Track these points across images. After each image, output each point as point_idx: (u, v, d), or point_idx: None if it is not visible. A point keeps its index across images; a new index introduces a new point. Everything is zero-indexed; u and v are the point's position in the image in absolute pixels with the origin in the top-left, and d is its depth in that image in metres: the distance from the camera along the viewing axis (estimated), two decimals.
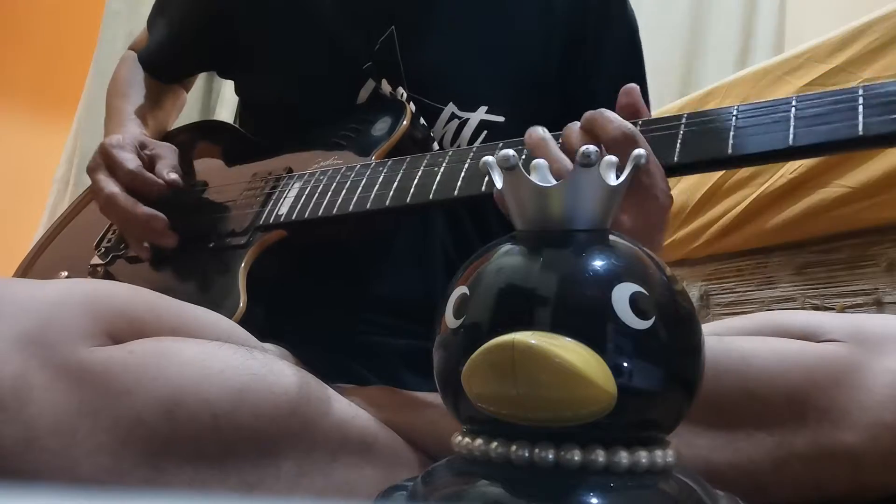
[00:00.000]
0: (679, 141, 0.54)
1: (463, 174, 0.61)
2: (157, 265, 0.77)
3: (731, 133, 0.53)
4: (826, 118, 0.50)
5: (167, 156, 0.78)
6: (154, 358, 0.47)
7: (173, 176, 0.75)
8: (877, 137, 0.49)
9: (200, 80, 2.08)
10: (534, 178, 0.39)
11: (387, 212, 0.64)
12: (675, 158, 0.54)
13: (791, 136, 0.51)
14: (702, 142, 0.54)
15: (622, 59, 0.81)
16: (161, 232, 0.73)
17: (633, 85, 0.59)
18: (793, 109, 0.52)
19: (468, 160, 0.62)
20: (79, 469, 0.44)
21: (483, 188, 0.60)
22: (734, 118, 0.54)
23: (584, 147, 0.37)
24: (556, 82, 0.79)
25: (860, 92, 0.50)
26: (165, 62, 0.93)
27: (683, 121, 0.56)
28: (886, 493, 0.51)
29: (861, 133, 0.49)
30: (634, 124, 0.56)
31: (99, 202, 0.77)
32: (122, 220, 0.74)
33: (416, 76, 0.76)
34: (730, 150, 0.52)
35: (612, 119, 0.53)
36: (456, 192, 0.61)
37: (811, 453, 0.51)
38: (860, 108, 0.49)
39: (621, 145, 0.51)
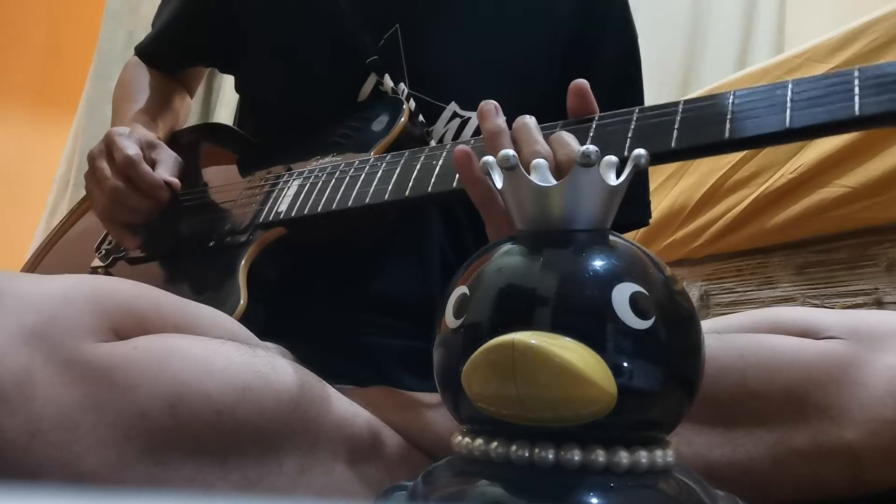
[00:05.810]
0: (676, 127, 0.54)
1: None
2: (158, 265, 0.77)
3: (729, 117, 0.53)
4: (822, 100, 0.50)
5: (170, 162, 0.78)
6: (158, 354, 0.47)
7: (173, 178, 0.76)
8: (873, 117, 0.48)
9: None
10: (534, 178, 0.39)
11: (386, 206, 0.64)
12: (673, 144, 0.54)
13: (788, 119, 0.51)
14: (699, 127, 0.54)
15: (621, 63, 0.81)
16: (159, 198, 0.74)
17: (582, 81, 0.59)
18: (789, 93, 0.52)
19: None
20: (81, 463, 0.44)
21: None
22: (731, 103, 0.54)
23: (584, 147, 0.37)
24: (558, 82, 0.79)
25: (856, 73, 0.50)
26: (166, 48, 0.92)
27: (680, 107, 0.56)
28: (886, 489, 0.51)
29: (857, 113, 0.48)
30: (628, 114, 0.56)
31: (90, 183, 0.77)
32: (116, 194, 0.74)
33: (418, 74, 0.76)
34: (727, 134, 0.52)
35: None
36: (455, 184, 0.60)
37: (811, 450, 0.51)
38: (856, 90, 0.49)
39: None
